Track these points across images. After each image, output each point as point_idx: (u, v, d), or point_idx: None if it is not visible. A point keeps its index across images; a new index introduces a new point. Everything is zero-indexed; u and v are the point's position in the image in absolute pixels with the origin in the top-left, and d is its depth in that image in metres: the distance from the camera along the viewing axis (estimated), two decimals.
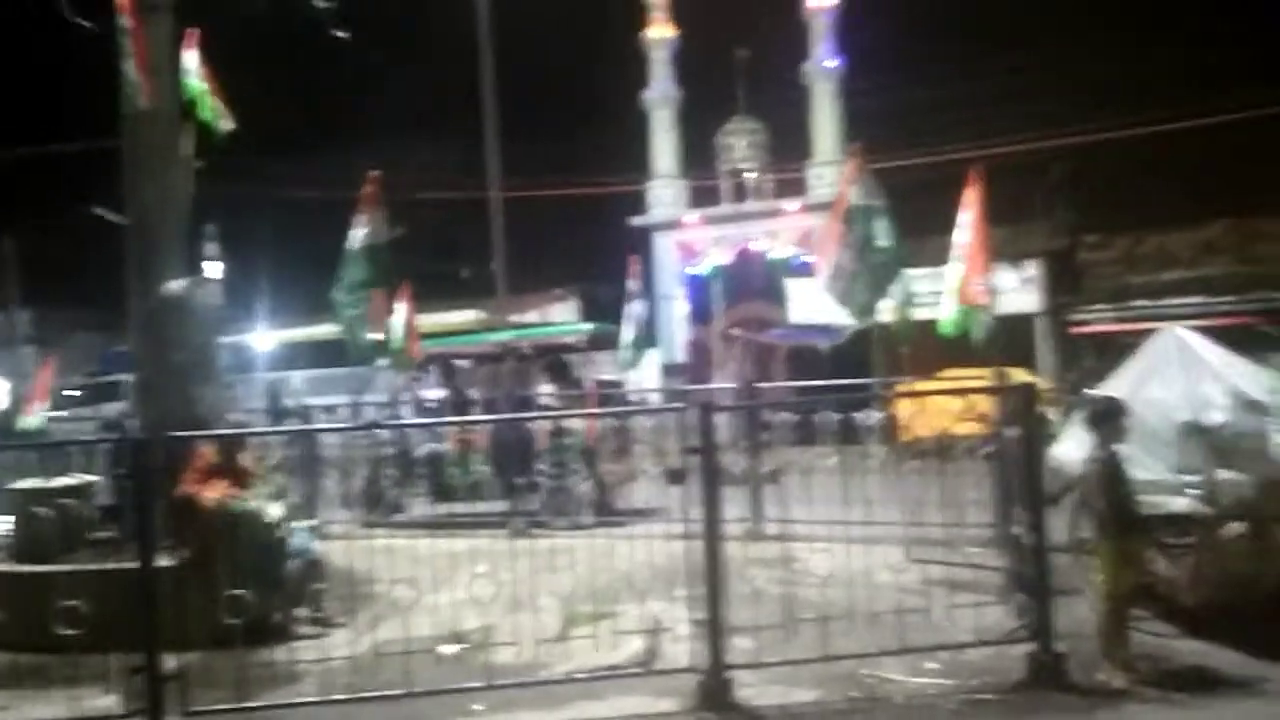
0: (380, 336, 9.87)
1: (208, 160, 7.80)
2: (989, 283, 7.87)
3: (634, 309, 13.61)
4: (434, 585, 7.12)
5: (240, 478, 6.50)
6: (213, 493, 6.19)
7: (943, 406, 7.78)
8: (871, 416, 8.60)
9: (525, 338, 11.80)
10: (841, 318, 18.54)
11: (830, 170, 28.89)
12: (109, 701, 5.28)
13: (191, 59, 7.29)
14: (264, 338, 25.00)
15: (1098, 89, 23.67)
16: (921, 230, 11.59)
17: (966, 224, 7.74)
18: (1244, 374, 6.30)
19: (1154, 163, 22.45)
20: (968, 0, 27.13)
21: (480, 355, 12.15)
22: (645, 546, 7.35)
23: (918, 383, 9.64)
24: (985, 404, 7.19)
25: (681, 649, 5.69)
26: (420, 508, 10.97)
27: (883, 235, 7.60)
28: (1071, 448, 6.48)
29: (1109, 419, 5.47)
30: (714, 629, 5.25)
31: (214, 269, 21.21)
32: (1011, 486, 6.22)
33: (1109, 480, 5.34)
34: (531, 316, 24.35)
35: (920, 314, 9.26)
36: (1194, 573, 5.95)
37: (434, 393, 12.11)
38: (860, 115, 27.47)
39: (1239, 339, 8.06)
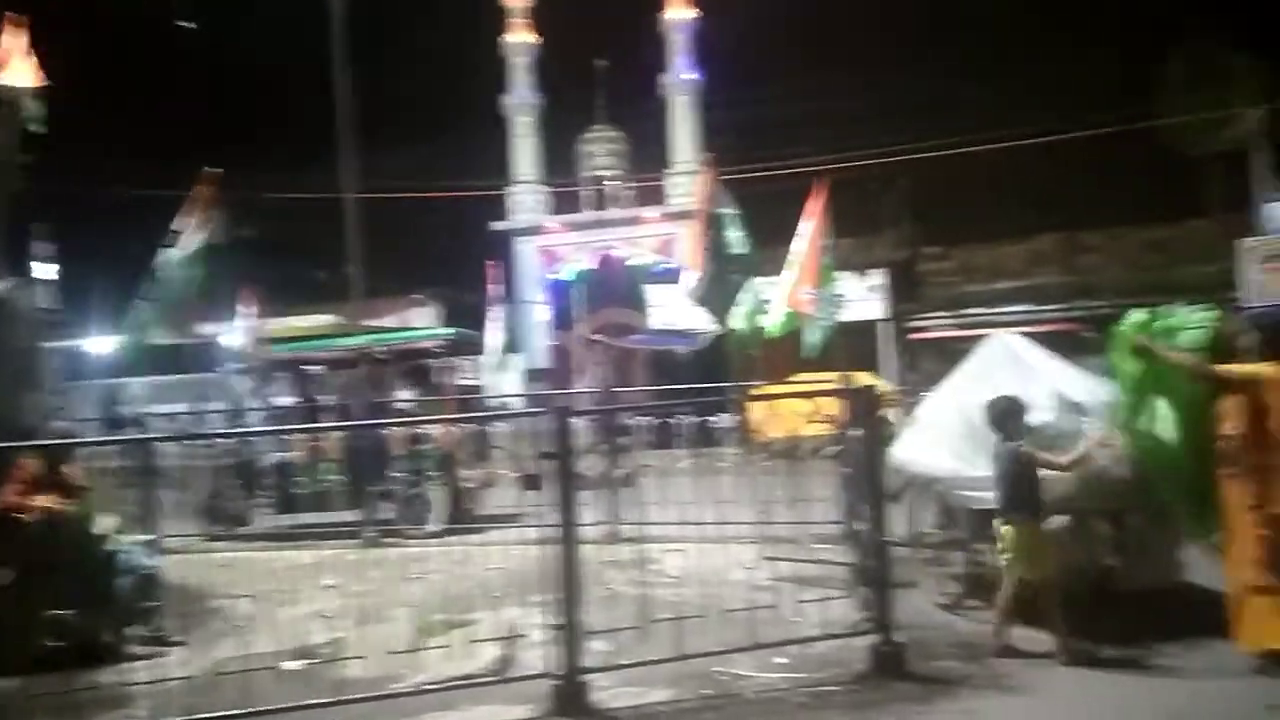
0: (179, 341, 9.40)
1: (34, 155, 7.25)
2: (822, 292, 8.23)
3: (496, 314, 13.52)
4: (279, 599, 6.87)
5: (67, 490, 6.08)
6: (36, 505, 5.76)
7: (792, 409, 8.04)
8: (725, 420, 8.81)
9: (383, 343, 11.51)
10: (699, 324, 19.00)
11: (687, 180, 29.43)
12: None
13: (16, 44, 6.77)
14: (102, 342, 23.46)
15: (939, 108, 25.04)
16: (773, 240, 11.98)
17: (805, 234, 8.08)
18: (1066, 377, 6.76)
19: (990, 179, 23.96)
20: (820, 19, 28.23)
21: (334, 360, 11.78)
22: (502, 553, 7.32)
23: (769, 387, 9.95)
24: (832, 406, 7.49)
25: (537, 655, 5.66)
26: (267, 519, 10.54)
27: (736, 243, 7.86)
28: (911, 447, 6.83)
29: (1011, 416, 5.84)
30: (569, 633, 5.25)
31: (47, 270, 19.71)
32: (856, 485, 6.49)
33: (1021, 469, 5.71)
34: (389, 321, 23.74)
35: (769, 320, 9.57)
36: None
37: (283, 399, 11.65)
38: (717, 127, 28.17)
39: (1064, 344, 8.66)
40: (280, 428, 10.52)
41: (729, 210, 7.99)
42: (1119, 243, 23.98)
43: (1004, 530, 5.77)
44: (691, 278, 8.16)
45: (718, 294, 8.02)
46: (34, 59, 6.85)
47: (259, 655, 5.69)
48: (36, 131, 6.68)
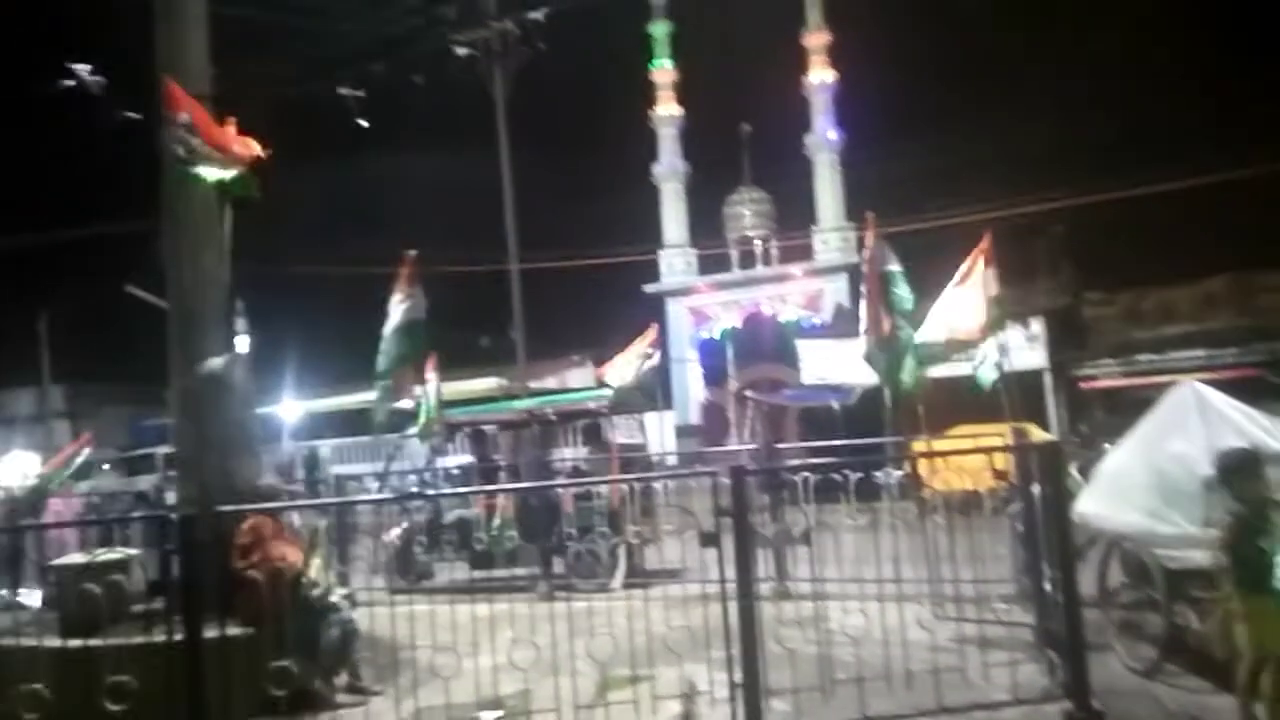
0: (409, 406, 10.11)
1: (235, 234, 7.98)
2: (994, 341, 8.13)
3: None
4: (467, 650, 7.19)
5: (289, 548, 6.63)
6: (268, 563, 6.32)
7: (959, 463, 7.90)
8: (892, 474, 8.70)
9: (549, 404, 11.99)
10: (851, 378, 18.77)
11: (834, 236, 29.42)
12: None
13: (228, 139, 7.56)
14: (289, 408, 25.37)
15: (1095, 150, 24.21)
16: (923, 293, 11.87)
17: (977, 283, 8.02)
18: (1264, 426, 6.40)
19: (1154, 220, 22.85)
20: (961, 71, 27.90)
21: (505, 421, 12.34)
22: (675, 608, 7.42)
23: (935, 440, 9.77)
24: (1002, 460, 7.31)
25: (719, 712, 5.73)
26: (448, 573, 11.06)
27: (907, 300, 7.88)
28: (1096, 502, 6.58)
29: (1242, 471, 5.22)
30: (752, 691, 5.31)
31: (242, 343, 21.53)
32: (1036, 541, 6.30)
33: (1243, 534, 5.05)
34: (550, 382, 24.62)
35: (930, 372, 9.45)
36: (1222, 626, 5.98)
37: (459, 459, 12.26)
38: (861, 183, 28.12)
39: (1244, 390, 8.18)
40: (461, 489, 11.09)
41: (894, 267, 8.02)
42: None
43: (1235, 599, 5.12)
44: (862, 337, 8.19)
45: (886, 350, 8.01)
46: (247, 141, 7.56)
47: (453, 706, 5.99)
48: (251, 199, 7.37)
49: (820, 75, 30.45)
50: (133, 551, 7.35)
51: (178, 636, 5.08)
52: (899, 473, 8.83)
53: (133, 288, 20.67)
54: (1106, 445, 7.91)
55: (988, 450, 7.47)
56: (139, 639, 6.05)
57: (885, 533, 7.65)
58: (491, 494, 10.73)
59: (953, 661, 6.01)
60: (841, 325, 25.48)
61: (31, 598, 10.73)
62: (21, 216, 28.07)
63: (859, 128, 30.15)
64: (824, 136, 30.28)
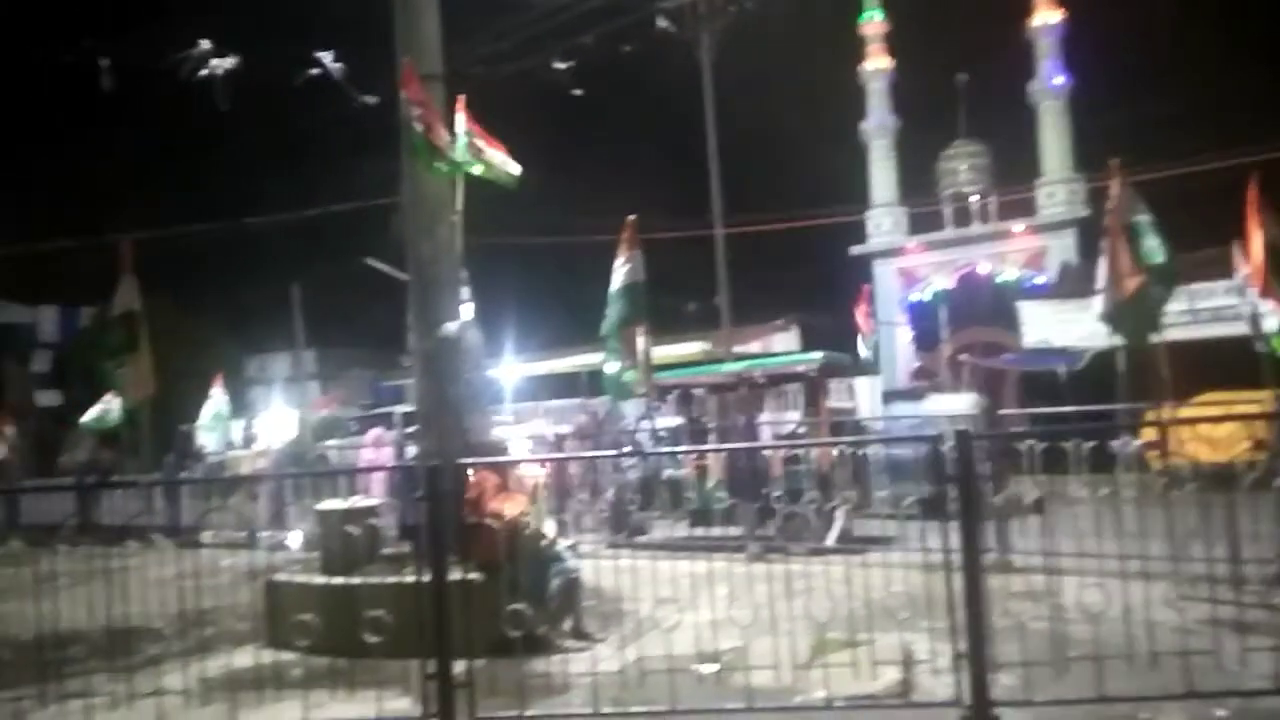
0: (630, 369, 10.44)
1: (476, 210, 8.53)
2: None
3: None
4: (681, 605, 7.39)
5: (512, 499, 7.05)
6: (503, 512, 6.76)
7: (1208, 433, 7.26)
8: (1130, 444, 8.14)
9: (757, 367, 12.03)
10: (1081, 340, 17.56)
11: (1061, 189, 27.54)
12: (406, 704, 5.78)
13: (461, 122, 8.05)
14: (508, 370, 26.84)
15: None
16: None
17: (1254, 234, 7.30)
18: None
19: None
20: (1198, 9, 25.21)
21: (713, 385, 12.49)
22: (886, 575, 7.29)
23: (1181, 408, 9.03)
24: (1262, 430, 6.66)
25: (940, 682, 5.60)
26: (663, 530, 11.40)
27: (1158, 252, 7.26)
28: None
29: None
30: (977, 662, 5.15)
31: (468, 309, 22.95)
32: None
33: None
34: (754, 347, 24.62)
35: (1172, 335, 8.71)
36: None
37: (670, 420, 12.55)
38: (1090, 132, 26.08)
39: None
40: (672, 449, 11.35)
41: (1143, 217, 7.38)
42: None
43: None
44: (1100, 295, 7.63)
45: (1135, 309, 7.40)
46: (482, 129, 8.06)
47: (673, 657, 6.18)
48: (510, 181, 7.93)
49: (1045, 16, 28.40)
50: (376, 500, 8.08)
51: (425, 577, 5.50)
52: (1138, 442, 8.22)
53: (376, 262, 22.44)
54: None
55: (1249, 417, 6.84)
56: (391, 578, 6.63)
57: (1124, 505, 7.17)
58: (701, 455, 10.92)
59: (1204, 644, 5.58)
60: (1068, 285, 23.87)
61: (293, 539, 12.00)
62: (274, 199, 31.06)
63: (1087, 71, 27.94)
64: (1049, 82, 28.27)
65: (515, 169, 8.12)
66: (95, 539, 7.27)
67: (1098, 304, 7.71)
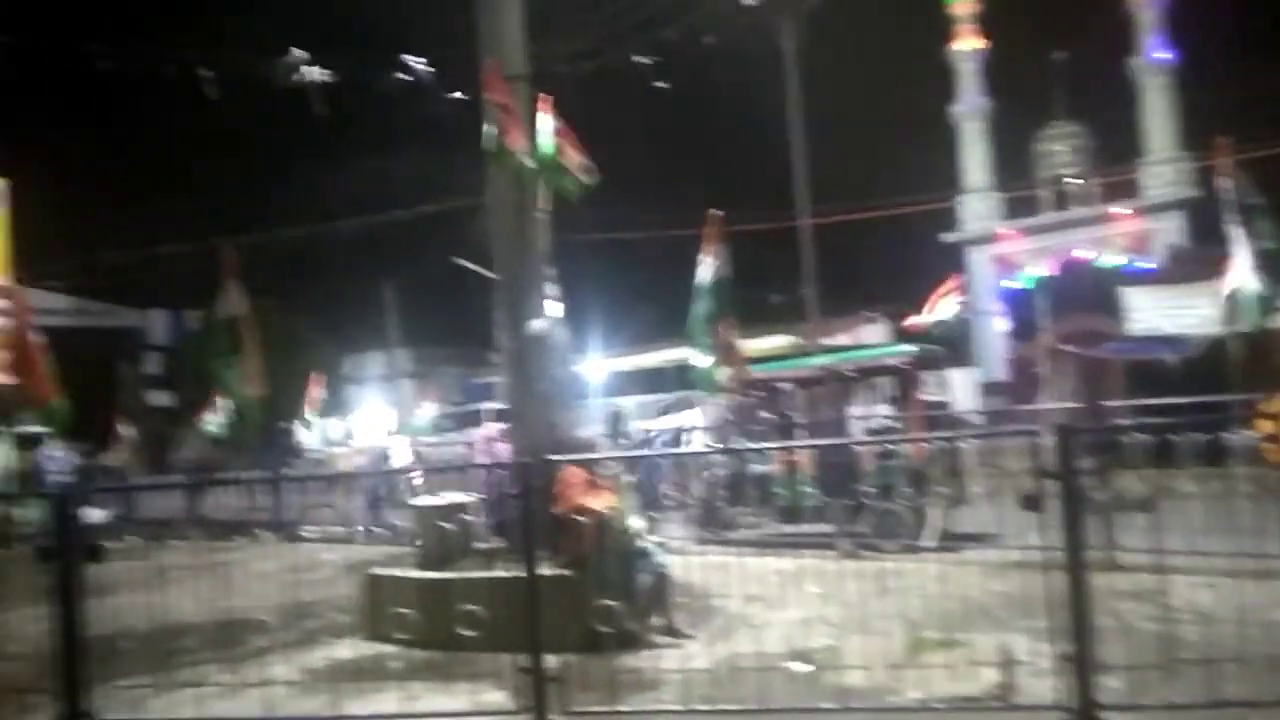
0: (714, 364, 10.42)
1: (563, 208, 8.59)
2: None
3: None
4: (771, 603, 7.33)
5: (606, 494, 7.08)
6: (592, 508, 6.80)
7: None
8: (1246, 437, 7.74)
9: (847, 360, 11.83)
10: (1191, 327, 16.76)
11: (1167, 169, 26.37)
12: (499, 698, 5.85)
13: (545, 122, 8.09)
14: (594, 366, 27.06)
15: None
16: None
17: None
18: None
19: None
20: None
21: (801, 379, 12.33)
22: (989, 573, 7.10)
23: None
24: None
25: (1042, 684, 5.41)
26: (749, 527, 11.31)
27: (1266, 234, 6.89)
28: None
29: None
30: (1082, 664, 4.96)
31: (555, 307, 23.24)
32: None
33: None
34: (841, 339, 24.23)
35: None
36: None
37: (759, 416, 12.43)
38: (1196, 109, 24.87)
39: None
40: (760, 446, 11.26)
41: (1254, 200, 7.01)
42: None
43: None
44: (1228, 275, 7.26)
45: (1245, 294, 7.06)
46: (566, 128, 8.09)
47: (764, 655, 6.12)
48: (583, 188, 7.96)
49: None
50: (468, 496, 8.21)
51: (519, 572, 5.56)
52: (1257, 435, 7.82)
53: (465, 262, 22.87)
54: None
55: None
56: (484, 573, 6.74)
57: (1238, 501, 6.83)
58: (790, 451, 10.79)
59: None
60: (1176, 269, 22.82)
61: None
62: (366, 203, 31.88)
63: (1191, 45, 26.64)
64: (1153, 58, 27.06)
65: (590, 178, 8.06)
66: (204, 534, 7.59)
67: (1218, 288, 7.35)
